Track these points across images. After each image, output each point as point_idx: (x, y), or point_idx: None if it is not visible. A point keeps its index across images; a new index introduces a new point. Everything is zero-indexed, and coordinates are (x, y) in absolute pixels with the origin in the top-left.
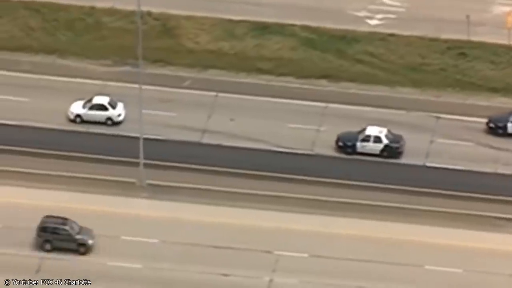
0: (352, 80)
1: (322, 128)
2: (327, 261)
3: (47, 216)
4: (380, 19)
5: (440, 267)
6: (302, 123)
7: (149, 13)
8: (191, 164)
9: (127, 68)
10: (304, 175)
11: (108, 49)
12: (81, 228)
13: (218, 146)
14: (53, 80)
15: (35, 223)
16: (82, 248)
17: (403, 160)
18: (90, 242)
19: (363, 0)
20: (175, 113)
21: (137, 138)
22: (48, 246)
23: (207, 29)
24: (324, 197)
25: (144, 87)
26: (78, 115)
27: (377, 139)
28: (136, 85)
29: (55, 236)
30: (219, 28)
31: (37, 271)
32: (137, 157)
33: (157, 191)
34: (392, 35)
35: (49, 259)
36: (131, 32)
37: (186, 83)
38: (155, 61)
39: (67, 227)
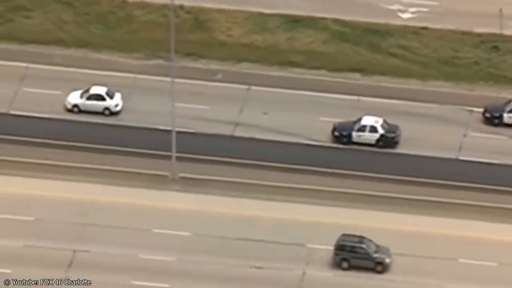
0: (384, 73)
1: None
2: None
3: (344, 235)
4: (412, 13)
5: (474, 261)
6: (334, 116)
7: (181, 7)
8: (223, 157)
9: (159, 61)
10: (336, 168)
11: (140, 43)
12: (378, 246)
13: (251, 139)
14: (85, 73)
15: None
16: (379, 267)
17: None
18: (387, 260)
19: None
20: (207, 106)
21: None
22: (345, 265)
23: (240, 23)
24: (353, 190)
25: (176, 80)
26: (75, 105)
27: (373, 129)
28: (168, 78)
29: (353, 255)
30: (252, 21)
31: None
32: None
33: (189, 184)
34: (424, 28)
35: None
36: (163, 26)
37: (218, 76)
38: (187, 55)
39: (364, 246)
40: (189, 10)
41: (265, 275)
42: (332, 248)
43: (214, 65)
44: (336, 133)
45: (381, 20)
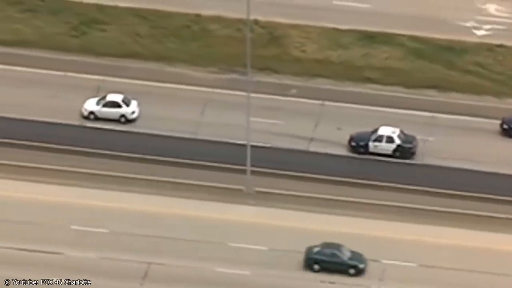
0: (460, 90)
1: (430, 138)
2: (435, 271)
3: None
4: (487, 30)
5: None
6: (410, 132)
7: (256, 22)
8: (298, 172)
9: (233, 76)
10: (410, 184)
11: (214, 57)
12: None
13: (325, 155)
14: (160, 87)
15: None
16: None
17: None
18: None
19: (470, 11)
20: (282, 121)
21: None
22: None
23: (314, 38)
24: (426, 206)
25: (251, 94)
26: (91, 112)
27: (390, 139)
28: (242, 93)
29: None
30: (326, 37)
31: None
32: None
33: (264, 198)
34: (500, 45)
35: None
36: (238, 40)
37: (293, 92)
38: (262, 69)
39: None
40: (264, 25)
41: None
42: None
43: (288, 80)
44: (353, 143)
45: (456, 37)
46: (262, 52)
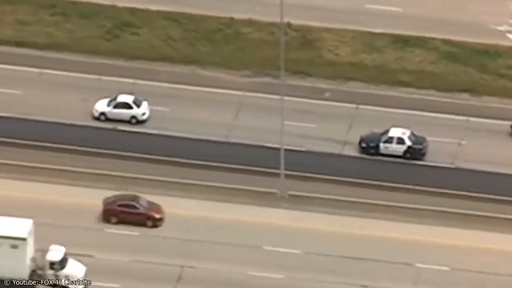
0: (494, 94)
1: (463, 142)
2: (468, 274)
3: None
4: None
5: None
6: (443, 136)
7: (289, 25)
8: (332, 175)
9: (267, 79)
10: (445, 188)
11: (247, 60)
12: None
13: (360, 158)
14: (193, 90)
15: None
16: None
17: None
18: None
19: (504, 15)
20: (315, 125)
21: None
22: None
23: (347, 42)
24: (461, 210)
25: (284, 98)
26: (102, 113)
27: (400, 141)
28: (275, 96)
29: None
30: (359, 41)
31: None
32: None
33: (298, 202)
34: None
35: None
36: (270, 43)
37: (326, 95)
38: (295, 73)
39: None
40: (297, 29)
41: None
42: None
43: (322, 84)
44: (364, 145)
45: (490, 41)
46: (295, 55)
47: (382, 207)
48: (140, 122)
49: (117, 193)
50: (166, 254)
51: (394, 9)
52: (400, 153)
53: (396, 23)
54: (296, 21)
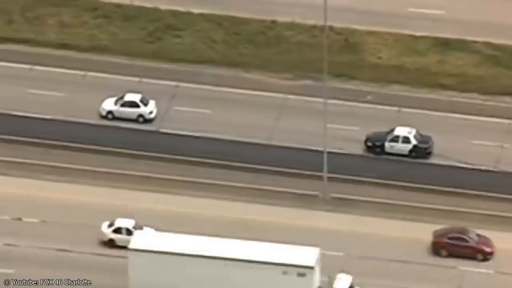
0: None
1: (506, 145)
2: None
3: None
4: None
5: None
6: (485, 139)
7: (331, 28)
8: (374, 178)
9: (309, 82)
10: (487, 191)
11: (289, 63)
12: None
13: (401, 161)
14: (235, 93)
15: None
16: None
17: None
18: None
19: None
20: (358, 127)
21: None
22: None
23: (390, 45)
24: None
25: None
26: (110, 112)
27: (406, 140)
28: (317, 99)
29: None
30: (401, 44)
31: None
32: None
33: (340, 205)
34: None
35: None
36: (313, 46)
37: (368, 98)
38: (337, 76)
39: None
40: (339, 32)
41: None
42: None
43: (364, 87)
44: (369, 144)
45: None
46: (337, 58)
47: (426, 210)
48: (147, 121)
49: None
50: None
51: (437, 12)
52: (406, 152)
53: (438, 26)
54: (338, 24)
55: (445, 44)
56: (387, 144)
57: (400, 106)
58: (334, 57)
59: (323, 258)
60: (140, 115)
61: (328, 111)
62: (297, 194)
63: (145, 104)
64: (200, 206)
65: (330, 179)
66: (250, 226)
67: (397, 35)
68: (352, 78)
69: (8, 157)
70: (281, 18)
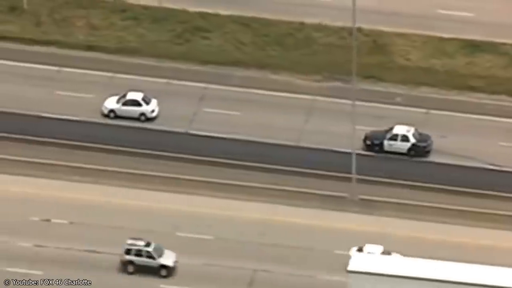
0: None
1: None
2: None
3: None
4: None
5: None
6: None
7: (359, 29)
8: (401, 180)
9: (337, 84)
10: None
11: (318, 65)
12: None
13: (429, 163)
14: (264, 95)
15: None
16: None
17: None
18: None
19: None
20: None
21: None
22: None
23: (418, 47)
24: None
25: (355, 102)
26: (112, 110)
27: (405, 138)
28: (346, 101)
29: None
30: (430, 46)
31: None
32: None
33: (368, 206)
34: None
35: None
36: (341, 48)
37: (397, 100)
38: (366, 77)
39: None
40: (367, 33)
41: None
42: None
43: (393, 88)
44: (368, 142)
45: None
46: (366, 60)
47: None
48: (149, 120)
49: None
50: (238, 257)
51: (465, 14)
52: (404, 151)
53: (466, 28)
54: (367, 26)
55: (473, 46)
56: (386, 143)
57: (428, 108)
58: (363, 59)
59: None
60: (142, 114)
61: (356, 113)
62: (325, 196)
63: (147, 103)
64: (229, 207)
65: (359, 180)
66: (274, 227)
67: (426, 37)
68: (381, 80)
69: (37, 159)
70: (309, 20)
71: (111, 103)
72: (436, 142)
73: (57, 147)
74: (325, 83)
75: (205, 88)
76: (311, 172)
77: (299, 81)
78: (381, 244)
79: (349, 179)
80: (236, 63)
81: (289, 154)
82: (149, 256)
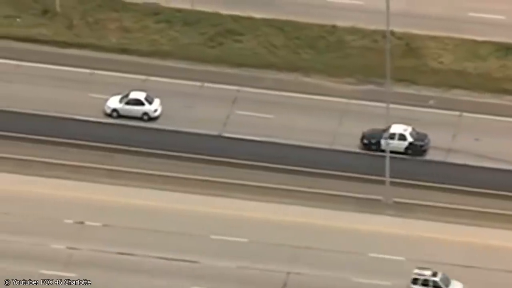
0: None
1: None
2: None
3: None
4: None
5: None
6: None
7: (392, 33)
8: (436, 183)
9: (370, 87)
10: None
11: (351, 68)
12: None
13: (464, 166)
14: (297, 97)
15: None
16: None
17: None
18: None
19: None
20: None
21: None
22: None
23: (451, 49)
24: None
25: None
26: (114, 110)
27: (402, 137)
28: (380, 104)
29: None
30: (463, 49)
31: None
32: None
33: (403, 209)
34: None
35: None
36: (374, 51)
37: (430, 102)
38: (399, 80)
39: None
40: (400, 36)
41: None
42: None
43: (426, 91)
44: (365, 141)
45: None
46: (399, 63)
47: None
48: (152, 119)
49: None
50: (272, 260)
51: (497, 17)
52: (402, 150)
53: (499, 31)
54: (399, 29)
55: (507, 49)
56: (383, 142)
57: (461, 111)
58: (396, 62)
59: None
60: (145, 113)
61: (390, 116)
62: (359, 199)
63: (150, 102)
64: (258, 210)
65: (393, 183)
66: (308, 229)
67: (458, 39)
68: (414, 83)
69: (70, 161)
70: (341, 23)
71: (113, 102)
72: (470, 144)
73: (93, 150)
74: (358, 86)
75: (237, 90)
76: (345, 175)
77: (332, 84)
78: (410, 248)
79: (383, 182)
80: (268, 66)
81: (323, 157)
82: (436, 286)
